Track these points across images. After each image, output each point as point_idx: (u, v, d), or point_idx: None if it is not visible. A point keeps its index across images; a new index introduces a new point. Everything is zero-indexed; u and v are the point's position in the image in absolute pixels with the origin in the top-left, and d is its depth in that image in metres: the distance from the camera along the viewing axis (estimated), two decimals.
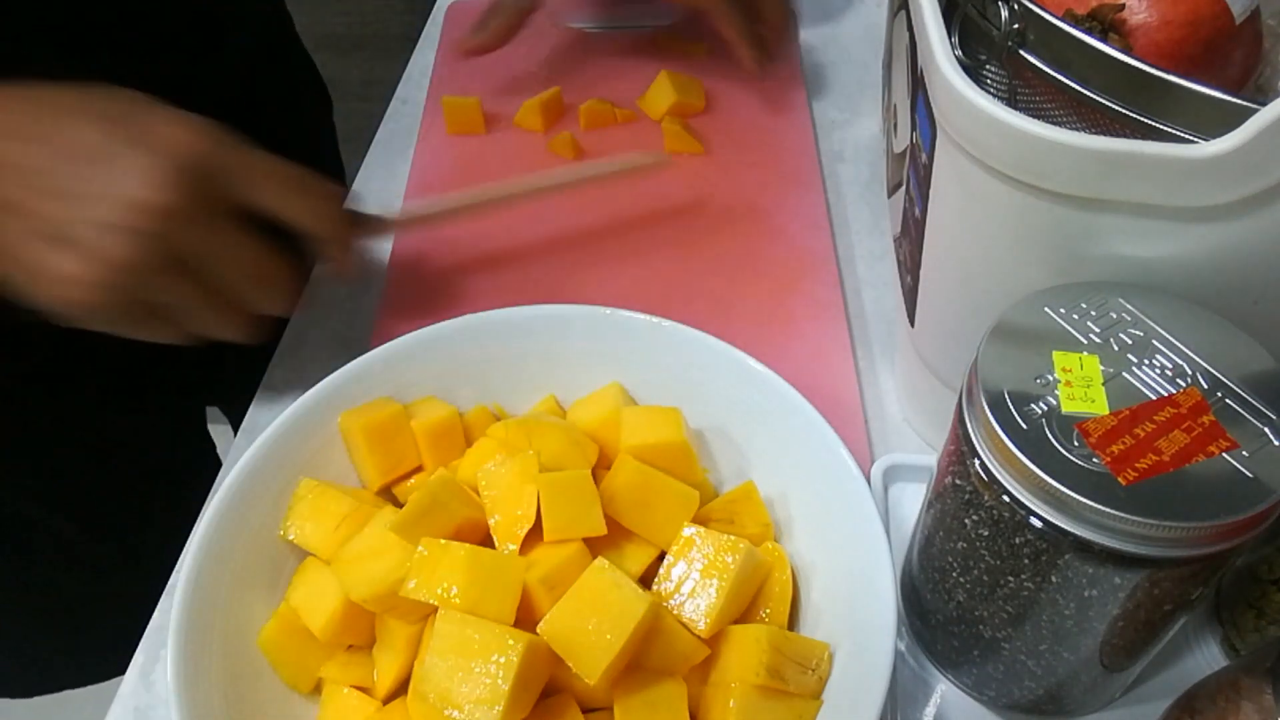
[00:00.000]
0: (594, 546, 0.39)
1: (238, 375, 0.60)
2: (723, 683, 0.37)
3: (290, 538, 0.41)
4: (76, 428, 0.67)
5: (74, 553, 0.71)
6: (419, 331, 0.46)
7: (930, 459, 0.41)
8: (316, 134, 0.80)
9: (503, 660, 0.34)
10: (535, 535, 0.39)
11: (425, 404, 0.45)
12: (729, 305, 0.56)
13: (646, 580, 0.40)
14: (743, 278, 0.58)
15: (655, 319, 0.46)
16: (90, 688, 0.77)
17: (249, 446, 0.41)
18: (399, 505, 0.43)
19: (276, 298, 0.46)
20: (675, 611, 0.38)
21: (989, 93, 0.34)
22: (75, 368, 0.63)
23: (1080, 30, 0.36)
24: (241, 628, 0.39)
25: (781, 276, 0.58)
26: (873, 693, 0.35)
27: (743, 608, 0.40)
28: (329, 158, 0.81)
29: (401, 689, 0.39)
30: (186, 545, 0.39)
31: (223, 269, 0.43)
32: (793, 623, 0.41)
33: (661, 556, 0.40)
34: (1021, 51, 0.38)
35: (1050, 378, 0.32)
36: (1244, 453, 0.30)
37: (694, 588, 0.38)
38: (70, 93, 0.42)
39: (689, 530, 0.39)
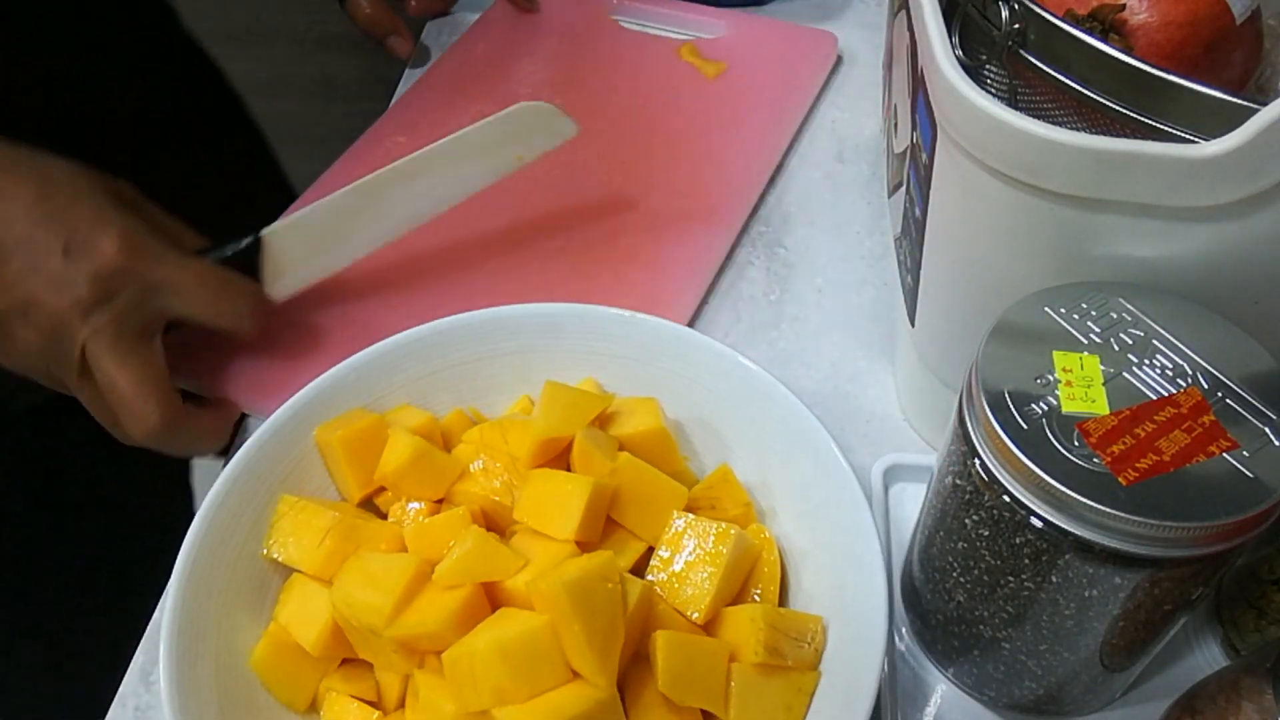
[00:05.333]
0: (586, 543, 0.40)
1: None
2: None
3: (275, 556, 0.41)
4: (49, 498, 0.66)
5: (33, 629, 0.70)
6: (388, 340, 0.46)
7: (930, 459, 0.41)
8: (240, 169, 0.77)
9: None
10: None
11: (401, 412, 0.45)
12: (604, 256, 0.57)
13: (637, 574, 0.40)
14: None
15: (624, 313, 0.46)
16: (90, 689, 0.77)
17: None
18: (381, 516, 0.43)
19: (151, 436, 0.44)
20: (670, 600, 0.39)
21: (989, 93, 0.34)
22: (57, 430, 0.63)
23: (1081, 30, 0.36)
24: (232, 650, 0.39)
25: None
26: (870, 661, 0.36)
27: (735, 592, 0.40)
28: (256, 188, 0.78)
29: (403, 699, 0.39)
30: (171, 580, 0.39)
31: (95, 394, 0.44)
32: (783, 602, 0.42)
33: (650, 552, 0.41)
34: (1022, 51, 0.38)
35: (1050, 378, 0.32)
36: (1244, 453, 0.30)
37: (687, 576, 0.39)
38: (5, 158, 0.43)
39: (679, 519, 0.40)
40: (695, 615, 0.38)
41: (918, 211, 0.43)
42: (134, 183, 0.47)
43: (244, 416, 0.52)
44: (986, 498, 0.33)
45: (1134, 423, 0.31)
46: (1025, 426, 0.31)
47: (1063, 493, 0.30)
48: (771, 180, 0.64)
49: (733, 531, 0.39)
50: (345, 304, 0.55)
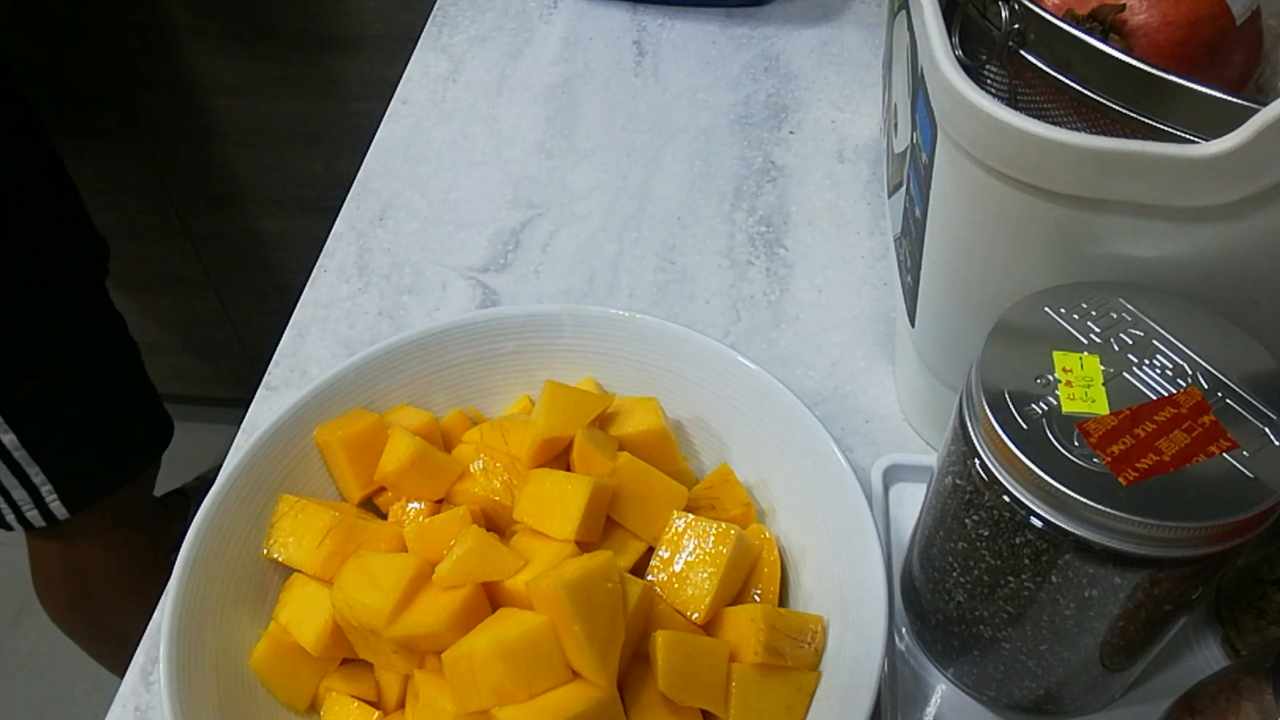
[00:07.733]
0: (585, 543, 0.40)
1: None
2: None
3: (275, 556, 0.41)
4: None
5: None
6: (388, 341, 0.46)
7: (930, 459, 0.41)
8: None
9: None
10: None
11: (401, 412, 0.45)
12: None
13: (637, 574, 0.40)
14: None
15: (624, 313, 0.46)
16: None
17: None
18: (381, 516, 0.43)
19: None
20: (670, 600, 0.39)
21: (989, 93, 0.34)
22: None
23: (1081, 30, 0.36)
24: (232, 651, 0.39)
25: None
26: (870, 661, 0.36)
27: (735, 591, 0.40)
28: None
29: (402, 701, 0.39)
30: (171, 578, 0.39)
31: None
32: (783, 602, 0.42)
33: (650, 551, 0.41)
34: (1022, 51, 0.38)
35: (1050, 378, 0.32)
36: (1244, 453, 0.30)
37: (688, 576, 0.39)
38: None
39: (679, 519, 0.40)
40: (695, 615, 0.38)
41: (918, 211, 0.43)
42: None
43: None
44: (986, 498, 0.33)
45: (1134, 423, 0.31)
46: (1025, 426, 0.31)
47: (1063, 493, 0.30)
48: (771, 180, 0.64)
49: (733, 531, 0.39)
50: None
